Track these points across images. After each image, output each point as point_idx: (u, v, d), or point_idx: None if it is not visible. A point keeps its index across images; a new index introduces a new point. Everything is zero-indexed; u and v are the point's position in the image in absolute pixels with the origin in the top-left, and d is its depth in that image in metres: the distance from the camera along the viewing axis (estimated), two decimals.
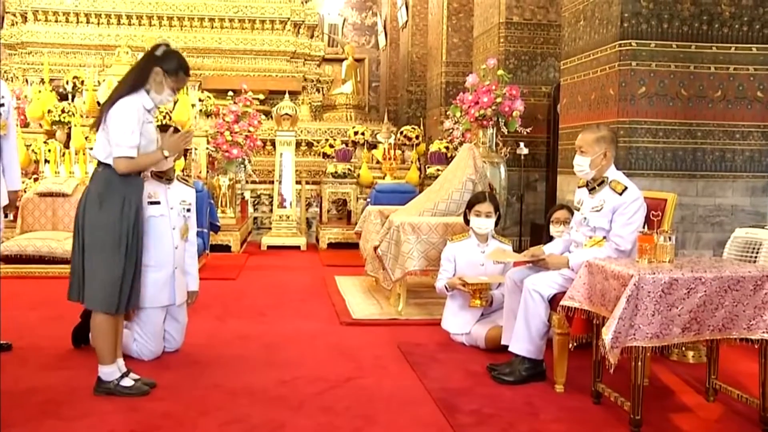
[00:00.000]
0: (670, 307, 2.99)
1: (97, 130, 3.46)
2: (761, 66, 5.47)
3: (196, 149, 8.63)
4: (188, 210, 4.22)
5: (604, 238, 3.64)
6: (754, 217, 5.44)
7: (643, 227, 3.45)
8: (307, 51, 13.50)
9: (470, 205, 4.60)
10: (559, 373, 3.60)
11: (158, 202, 4.02)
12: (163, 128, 4.23)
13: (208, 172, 8.85)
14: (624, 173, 4.95)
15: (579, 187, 3.90)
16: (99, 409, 3.25)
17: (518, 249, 4.40)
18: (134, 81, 3.48)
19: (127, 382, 3.45)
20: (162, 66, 3.47)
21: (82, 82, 10.18)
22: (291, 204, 9.32)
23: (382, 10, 17.05)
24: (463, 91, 7.57)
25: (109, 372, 3.44)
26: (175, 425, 3.09)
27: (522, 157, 7.86)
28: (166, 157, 3.58)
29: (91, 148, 6.04)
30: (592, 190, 3.74)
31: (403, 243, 5.03)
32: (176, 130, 3.77)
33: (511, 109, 7.09)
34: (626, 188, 3.62)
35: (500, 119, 7.19)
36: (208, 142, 8.85)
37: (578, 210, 3.83)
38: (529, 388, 3.63)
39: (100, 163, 3.46)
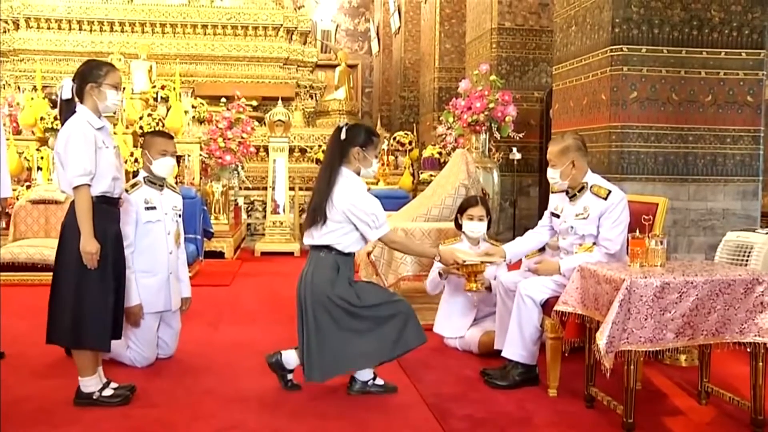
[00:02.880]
0: (663, 312, 3.00)
1: None
2: (751, 71, 5.51)
3: (188, 156, 8.63)
4: (179, 215, 4.23)
5: (594, 243, 3.66)
6: (745, 221, 5.47)
7: (635, 231, 3.46)
8: (300, 57, 13.52)
9: (462, 210, 4.61)
10: (552, 378, 3.61)
11: (154, 208, 4.03)
12: (157, 134, 4.22)
13: (201, 178, 8.85)
14: (616, 178, 5.01)
15: (553, 192, 3.90)
16: (91, 417, 3.24)
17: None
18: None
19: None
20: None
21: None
22: (284, 210, 9.32)
23: (375, 17, 17.09)
24: (456, 96, 7.61)
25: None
26: None
27: (515, 162, 7.89)
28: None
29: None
30: (572, 198, 3.75)
31: None
32: (169, 136, 3.76)
33: (504, 114, 7.12)
34: (610, 192, 3.64)
35: (493, 124, 7.22)
36: (201, 149, 8.84)
37: (558, 217, 3.84)
38: (523, 393, 3.64)
39: None
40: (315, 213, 3.47)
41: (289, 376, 3.65)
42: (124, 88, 10.65)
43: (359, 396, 3.58)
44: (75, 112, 3.34)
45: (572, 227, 3.73)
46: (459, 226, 4.63)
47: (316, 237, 3.51)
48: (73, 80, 3.40)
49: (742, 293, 3.10)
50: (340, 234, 3.47)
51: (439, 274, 4.43)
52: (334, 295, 3.44)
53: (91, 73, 3.37)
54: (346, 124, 3.58)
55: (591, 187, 3.69)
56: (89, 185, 3.26)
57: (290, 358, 3.63)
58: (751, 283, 3.12)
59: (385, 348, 3.51)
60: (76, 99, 3.38)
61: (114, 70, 3.45)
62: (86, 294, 3.28)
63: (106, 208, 3.37)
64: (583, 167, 3.74)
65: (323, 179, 3.50)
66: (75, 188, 3.25)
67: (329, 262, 3.48)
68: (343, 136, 3.51)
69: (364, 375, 3.62)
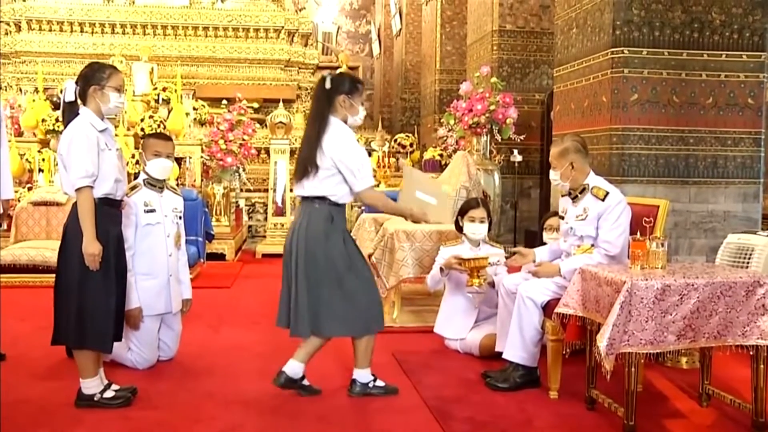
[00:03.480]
0: (664, 314, 3.00)
1: None
2: (752, 73, 5.51)
3: (190, 158, 8.63)
4: (180, 217, 4.23)
5: (593, 245, 3.66)
6: (746, 223, 5.47)
7: (636, 233, 3.46)
8: (301, 59, 13.54)
9: (463, 212, 4.61)
10: (553, 380, 3.61)
11: (153, 210, 4.03)
12: (152, 135, 4.21)
13: (202, 180, 8.85)
14: (617, 180, 5.01)
15: (562, 196, 3.92)
16: (92, 419, 3.24)
17: (511, 256, 4.42)
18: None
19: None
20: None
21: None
22: (286, 212, 9.32)
23: (376, 19, 17.10)
24: (457, 98, 7.61)
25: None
26: None
27: (516, 165, 7.89)
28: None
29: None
30: (574, 199, 3.77)
31: (397, 250, 5.03)
32: (165, 137, 3.74)
33: (505, 116, 7.13)
34: (608, 193, 3.65)
35: (494, 127, 7.22)
36: (203, 151, 8.85)
37: (563, 219, 3.86)
38: (523, 395, 3.64)
39: None
40: (306, 163, 3.44)
41: (305, 383, 3.64)
42: (126, 90, 10.63)
43: (360, 398, 3.58)
44: (78, 114, 3.35)
45: (572, 228, 3.74)
46: (460, 228, 4.64)
47: (308, 188, 3.47)
48: (76, 83, 3.41)
49: (744, 296, 3.10)
50: (333, 184, 3.44)
51: (441, 269, 4.42)
52: (327, 250, 3.43)
53: (94, 76, 3.39)
54: (330, 74, 3.57)
55: (592, 188, 3.69)
56: (91, 187, 3.27)
57: (294, 369, 3.60)
58: (752, 285, 3.12)
59: (357, 322, 3.54)
60: (79, 101, 3.39)
61: (117, 73, 3.46)
62: (88, 295, 3.28)
63: (108, 210, 3.38)
64: (584, 169, 3.75)
65: (312, 129, 3.47)
66: (77, 190, 3.26)
67: (323, 213, 3.46)
68: (328, 85, 3.48)
69: (364, 377, 3.62)
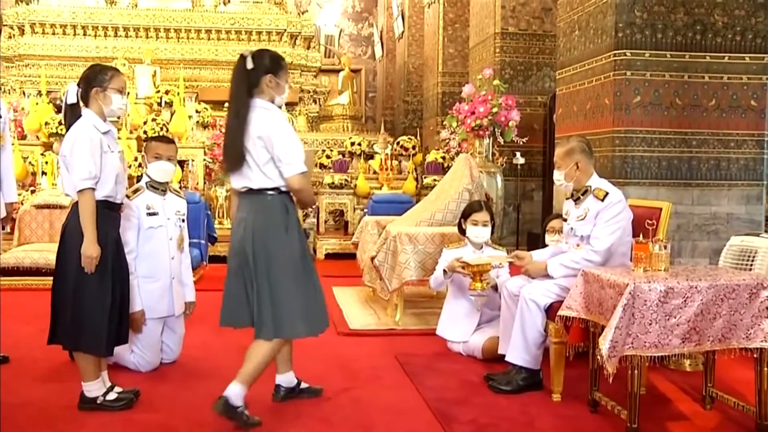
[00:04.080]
0: (668, 317, 3.00)
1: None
2: (754, 75, 5.51)
3: (192, 161, 8.64)
4: (183, 220, 4.24)
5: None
6: (750, 225, 5.46)
7: (638, 235, 3.46)
8: (304, 62, 13.54)
9: (466, 215, 4.61)
10: (556, 382, 3.60)
11: (156, 213, 4.03)
12: (153, 138, 4.21)
13: (205, 183, 8.86)
14: (620, 182, 5.00)
15: (567, 198, 3.93)
16: (94, 422, 3.24)
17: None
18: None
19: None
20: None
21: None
22: None
23: (379, 21, 17.12)
24: (460, 101, 7.61)
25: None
26: None
27: (518, 167, 7.89)
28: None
29: None
30: (577, 201, 3.78)
31: (400, 253, 5.03)
32: (167, 140, 3.73)
33: (507, 119, 7.13)
34: (607, 193, 3.66)
35: (496, 129, 7.22)
36: (205, 154, 8.86)
37: (566, 221, 3.87)
38: (526, 398, 3.63)
39: None
40: (240, 152, 3.15)
41: (245, 411, 3.19)
42: (128, 93, 10.67)
43: (362, 400, 3.58)
44: (80, 116, 3.36)
45: (572, 228, 3.76)
46: (463, 231, 4.64)
47: (256, 179, 3.19)
48: (78, 85, 3.42)
49: (747, 298, 3.10)
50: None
51: (444, 271, 4.42)
52: (288, 244, 3.20)
53: (96, 78, 3.40)
54: (251, 52, 3.26)
55: (594, 190, 3.70)
56: (93, 189, 3.27)
57: (235, 392, 3.18)
58: (755, 287, 3.11)
59: (318, 321, 3.31)
60: (82, 103, 3.40)
61: (119, 75, 3.47)
62: (85, 297, 3.29)
63: (108, 213, 3.39)
64: (588, 170, 3.76)
65: (239, 114, 3.19)
66: (79, 192, 3.26)
67: (279, 205, 3.21)
68: (249, 64, 3.20)
69: (237, 398, 3.19)
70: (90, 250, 3.24)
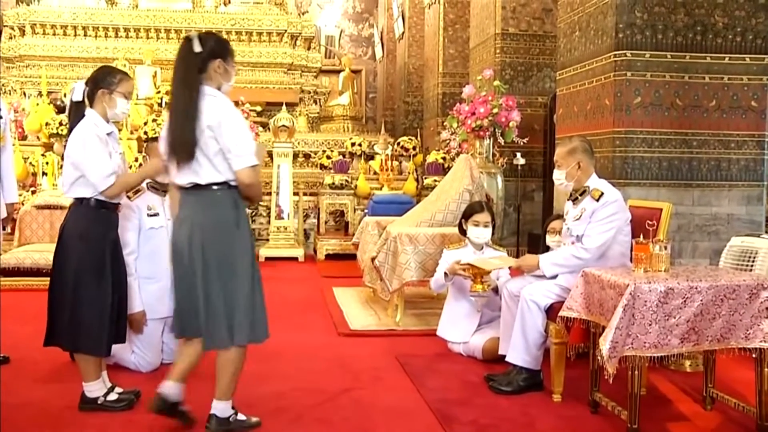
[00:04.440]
0: (668, 317, 3.00)
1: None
2: (755, 76, 5.50)
3: None
4: None
5: None
6: (750, 226, 5.46)
7: (639, 236, 3.46)
8: (304, 63, 13.54)
9: (467, 216, 4.61)
10: (557, 383, 3.60)
11: (157, 214, 4.04)
12: (155, 139, 4.20)
13: None
14: (620, 183, 5.00)
15: (567, 200, 3.95)
16: (96, 422, 3.24)
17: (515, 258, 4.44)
18: None
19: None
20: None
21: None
22: (288, 215, 9.33)
23: (379, 22, 17.12)
24: (460, 101, 7.61)
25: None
26: None
27: (519, 168, 7.88)
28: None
29: None
30: (575, 201, 3.80)
31: (401, 254, 5.04)
32: None
33: (508, 119, 7.13)
34: (603, 193, 3.68)
35: (497, 130, 7.22)
36: None
37: (565, 222, 3.90)
38: (527, 398, 3.63)
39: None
40: (188, 144, 2.92)
41: (238, 416, 3.16)
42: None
43: (362, 401, 3.58)
44: (83, 116, 3.37)
45: (569, 228, 3.79)
46: (463, 232, 4.64)
47: (205, 174, 2.97)
48: (86, 84, 3.42)
49: (747, 298, 3.10)
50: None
51: (445, 274, 4.42)
52: (238, 242, 3.00)
53: (104, 79, 3.41)
54: (197, 35, 3.07)
55: (591, 190, 3.72)
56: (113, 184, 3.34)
57: (220, 408, 3.11)
58: (755, 288, 3.11)
59: (260, 326, 3.11)
60: (87, 102, 3.40)
61: (127, 79, 3.48)
62: (83, 298, 3.30)
63: (105, 214, 3.40)
64: (588, 170, 3.78)
65: (186, 101, 2.96)
66: (103, 191, 3.33)
67: (229, 201, 3.01)
68: (197, 48, 3.00)
69: (225, 411, 3.11)
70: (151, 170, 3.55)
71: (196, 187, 2.99)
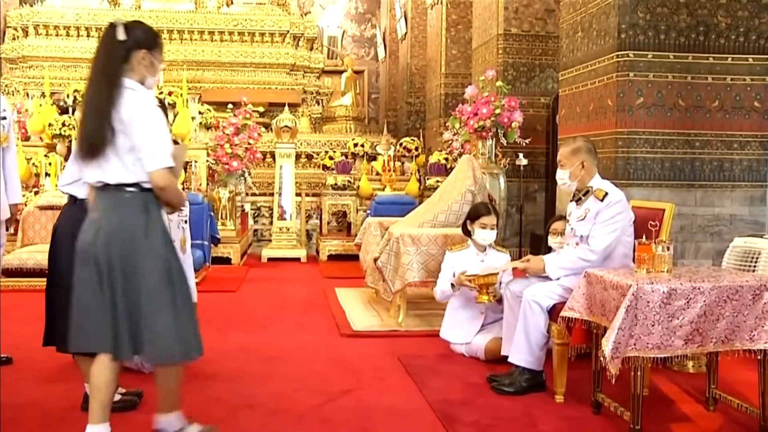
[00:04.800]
0: (671, 318, 2.99)
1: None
2: (758, 76, 5.49)
3: (196, 162, 8.66)
4: (186, 221, 4.24)
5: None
6: (753, 227, 5.45)
7: (641, 237, 3.46)
8: (307, 63, 13.55)
9: (474, 218, 4.59)
10: (559, 384, 3.60)
11: None
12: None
13: (208, 184, 8.87)
14: (622, 183, 4.99)
15: (570, 200, 3.94)
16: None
17: (517, 259, 4.43)
18: None
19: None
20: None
21: (83, 96, 10.22)
22: (291, 216, 9.34)
23: (381, 23, 17.12)
24: (462, 102, 7.61)
25: None
26: None
27: (521, 168, 7.88)
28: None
29: None
30: (578, 201, 3.79)
31: (403, 254, 5.03)
32: (175, 142, 3.71)
33: (510, 120, 7.12)
34: (607, 193, 3.67)
35: (499, 130, 7.22)
36: (208, 155, 8.87)
37: (568, 222, 3.89)
38: (529, 399, 3.63)
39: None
40: (99, 139, 2.69)
41: (190, 427, 2.95)
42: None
43: (364, 401, 3.58)
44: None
45: (573, 229, 3.78)
46: (467, 233, 4.63)
47: (114, 172, 2.73)
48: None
49: (750, 299, 3.09)
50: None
51: (452, 285, 4.45)
52: (148, 251, 2.73)
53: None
54: (123, 22, 2.84)
55: (595, 191, 3.72)
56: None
57: (167, 420, 2.92)
58: (759, 289, 3.11)
59: (187, 342, 2.81)
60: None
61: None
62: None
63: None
64: (592, 170, 3.77)
65: (103, 93, 2.72)
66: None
67: (138, 204, 2.75)
68: (121, 35, 2.77)
69: (174, 424, 2.91)
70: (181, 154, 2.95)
71: (106, 187, 2.77)
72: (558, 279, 3.72)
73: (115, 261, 2.69)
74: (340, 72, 15.22)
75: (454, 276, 4.53)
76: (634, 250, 3.43)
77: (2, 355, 4.09)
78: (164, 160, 2.72)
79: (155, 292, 2.72)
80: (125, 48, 2.79)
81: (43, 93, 10.15)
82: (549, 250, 4.49)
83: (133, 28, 2.85)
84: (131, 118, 2.69)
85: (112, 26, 2.82)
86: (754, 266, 4.18)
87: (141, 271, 2.71)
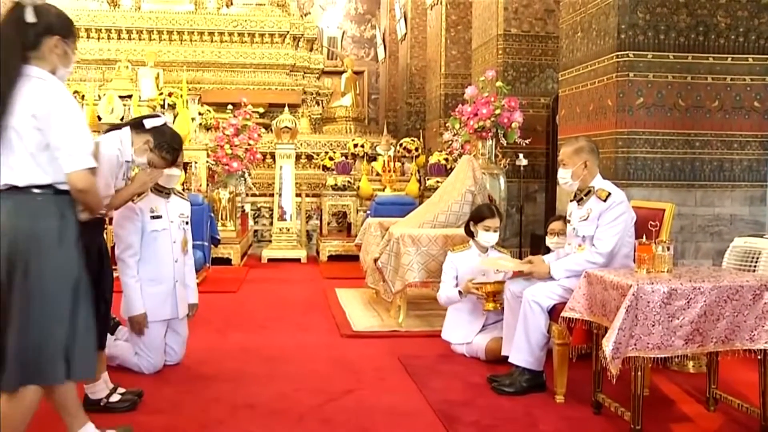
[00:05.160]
0: (671, 318, 3.00)
1: None
2: (758, 76, 5.50)
3: (196, 163, 8.66)
4: (187, 223, 4.25)
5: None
6: (753, 227, 5.45)
7: (641, 237, 3.46)
8: (307, 64, 13.56)
9: (478, 220, 4.58)
10: (560, 384, 3.60)
11: (160, 216, 4.04)
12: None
13: (208, 185, 8.87)
14: (622, 183, 4.98)
15: (570, 200, 3.94)
16: (98, 423, 3.23)
17: (518, 260, 4.44)
18: None
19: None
20: None
21: (83, 97, 10.23)
22: (291, 217, 9.34)
23: (381, 23, 17.13)
24: (462, 102, 7.60)
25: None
26: None
27: (521, 168, 7.88)
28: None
29: None
30: (579, 201, 3.79)
31: (403, 255, 5.04)
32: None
33: (510, 120, 7.12)
34: (610, 194, 3.67)
35: (499, 131, 7.21)
36: (208, 156, 8.87)
37: (569, 222, 3.88)
38: (530, 399, 3.63)
39: None
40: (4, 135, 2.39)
41: None
42: (131, 96, 10.74)
43: (365, 401, 3.58)
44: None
45: (575, 229, 3.77)
46: (470, 234, 4.63)
47: (23, 172, 2.42)
48: None
49: (751, 299, 3.09)
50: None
51: (459, 292, 4.45)
52: (59, 260, 2.45)
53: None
54: (33, 3, 2.46)
55: (597, 191, 3.71)
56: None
57: None
58: (759, 289, 3.11)
59: (77, 361, 2.50)
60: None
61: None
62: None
63: (93, 220, 3.31)
64: (594, 170, 3.77)
65: (7, 82, 2.40)
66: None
67: (51, 208, 2.46)
68: (30, 17, 2.43)
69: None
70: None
71: (13, 189, 2.43)
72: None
73: (19, 270, 2.38)
74: (340, 73, 15.22)
75: (456, 277, 4.53)
76: (634, 251, 3.42)
77: None
78: (85, 160, 2.45)
79: (60, 305, 2.44)
80: (35, 32, 2.46)
81: None
82: (548, 250, 4.49)
83: (46, 11, 2.49)
84: (48, 113, 2.40)
85: (19, 5, 2.44)
86: (755, 266, 4.18)
87: (48, 281, 2.42)
